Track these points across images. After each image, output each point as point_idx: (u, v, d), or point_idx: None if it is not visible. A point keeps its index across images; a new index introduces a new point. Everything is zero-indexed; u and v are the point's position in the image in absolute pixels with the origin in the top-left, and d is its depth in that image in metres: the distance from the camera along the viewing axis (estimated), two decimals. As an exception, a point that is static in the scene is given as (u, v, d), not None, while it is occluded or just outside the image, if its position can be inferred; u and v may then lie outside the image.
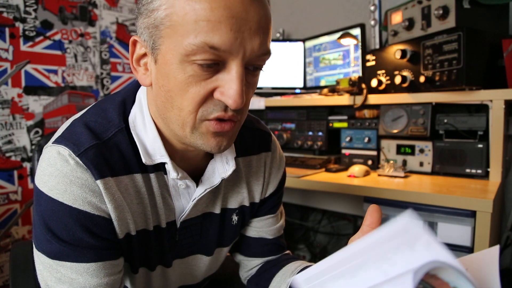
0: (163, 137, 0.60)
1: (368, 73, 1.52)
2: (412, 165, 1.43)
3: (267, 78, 1.99)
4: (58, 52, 1.92)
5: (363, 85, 1.51)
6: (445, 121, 1.35)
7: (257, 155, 0.75)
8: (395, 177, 1.34)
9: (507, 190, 1.44)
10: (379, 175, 1.39)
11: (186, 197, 0.65)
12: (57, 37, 1.91)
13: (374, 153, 1.54)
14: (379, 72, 1.47)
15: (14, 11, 1.74)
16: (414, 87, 1.34)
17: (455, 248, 1.06)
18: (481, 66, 1.24)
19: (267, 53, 0.53)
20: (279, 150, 0.81)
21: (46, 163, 0.54)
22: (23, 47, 1.78)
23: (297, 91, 2.02)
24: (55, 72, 1.91)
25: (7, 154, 1.76)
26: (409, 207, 1.14)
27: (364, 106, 1.54)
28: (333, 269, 0.38)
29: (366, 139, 1.55)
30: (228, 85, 0.50)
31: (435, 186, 1.17)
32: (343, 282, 0.36)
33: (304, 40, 1.97)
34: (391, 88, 1.42)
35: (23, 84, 1.79)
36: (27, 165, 1.82)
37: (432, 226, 1.11)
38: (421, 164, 1.41)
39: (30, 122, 1.83)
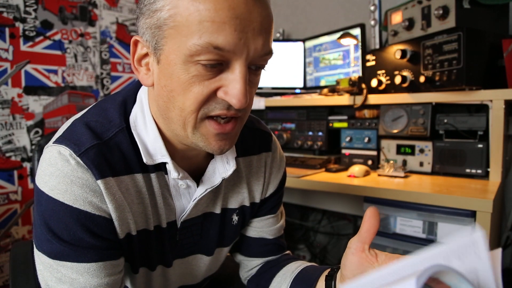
0: (164, 137, 0.60)
1: (368, 73, 1.52)
2: (412, 165, 1.43)
3: (267, 78, 1.99)
4: (58, 52, 1.92)
5: (363, 85, 1.51)
6: (445, 121, 1.35)
7: (257, 155, 0.75)
8: (395, 177, 1.34)
9: (507, 190, 1.44)
10: (379, 175, 1.39)
11: (187, 197, 0.65)
12: (57, 37, 1.91)
13: (374, 153, 1.54)
14: (379, 72, 1.47)
15: (14, 11, 1.74)
16: (414, 87, 1.34)
17: (455, 248, 1.06)
18: (481, 66, 1.24)
19: (269, 53, 0.53)
20: (279, 150, 0.81)
21: (47, 163, 0.54)
22: (23, 47, 1.78)
23: (297, 91, 2.02)
24: (55, 72, 1.91)
25: (7, 154, 1.76)
26: (409, 207, 1.14)
27: (364, 106, 1.54)
28: (380, 280, 0.39)
29: (366, 139, 1.55)
30: (232, 84, 0.50)
31: (435, 186, 1.17)
32: None
33: (304, 40, 1.97)
34: (391, 88, 1.42)
35: (23, 84, 1.79)
36: (27, 165, 1.82)
37: (432, 226, 1.11)
38: (421, 164, 1.41)
39: (30, 122, 1.83)
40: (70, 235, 0.53)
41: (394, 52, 1.36)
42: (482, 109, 1.35)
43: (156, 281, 0.70)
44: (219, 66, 0.50)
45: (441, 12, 1.23)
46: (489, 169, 1.24)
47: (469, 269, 0.32)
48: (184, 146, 0.60)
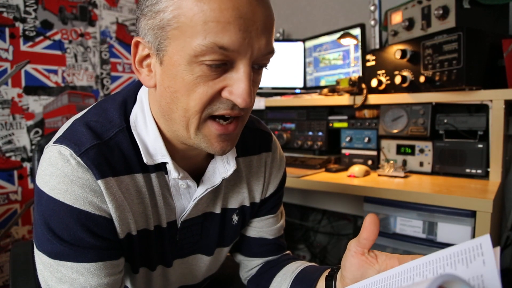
0: (165, 137, 0.60)
1: (368, 73, 1.52)
2: (412, 165, 1.43)
3: (267, 78, 1.99)
4: (58, 52, 1.92)
5: (363, 85, 1.51)
6: (445, 121, 1.35)
7: (257, 155, 0.75)
8: (395, 177, 1.34)
9: (507, 190, 1.44)
10: (379, 175, 1.39)
11: (187, 197, 0.65)
12: (57, 37, 1.91)
13: (374, 153, 1.54)
14: (379, 72, 1.47)
15: (14, 11, 1.74)
16: (414, 87, 1.34)
17: (455, 248, 1.06)
18: (481, 66, 1.24)
19: (271, 52, 0.54)
20: (279, 150, 0.81)
21: (47, 163, 0.54)
22: (23, 47, 1.78)
23: (297, 91, 2.02)
24: (55, 72, 1.91)
25: (7, 154, 1.76)
26: (409, 207, 1.14)
27: (364, 106, 1.54)
28: (383, 281, 0.39)
29: (366, 139, 1.55)
30: (236, 84, 0.50)
31: (435, 186, 1.17)
32: None
33: (304, 40, 1.97)
34: (391, 88, 1.42)
35: (23, 84, 1.79)
36: (27, 165, 1.82)
37: (432, 226, 1.11)
38: (421, 164, 1.41)
39: (30, 122, 1.83)
40: (70, 235, 0.53)
41: (394, 52, 1.36)
42: (482, 109, 1.35)
43: (156, 281, 0.70)
44: (223, 66, 0.50)
45: (441, 12, 1.23)
46: (489, 169, 1.24)
47: (474, 275, 0.32)
48: (185, 146, 0.60)
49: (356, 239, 0.54)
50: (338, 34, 1.69)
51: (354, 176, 1.37)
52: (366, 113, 1.57)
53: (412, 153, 1.43)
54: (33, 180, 0.58)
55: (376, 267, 0.53)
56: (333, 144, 1.72)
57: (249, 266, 0.82)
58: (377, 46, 1.70)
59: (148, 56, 0.55)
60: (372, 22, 1.70)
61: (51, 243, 0.54)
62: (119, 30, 2.19)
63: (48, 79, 1.89)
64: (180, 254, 0.70)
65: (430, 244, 1.11)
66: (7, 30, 1.72)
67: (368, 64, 1.52)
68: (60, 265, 0.54)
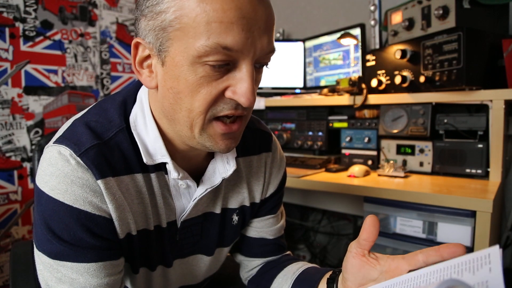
0: (165, 137, 0.60)
1: (368, 73, 1.52)
2: (412, 165, 1.43)
3: (267, 78, 1.99)
4: (58, 52, 1.92)
5: (363, 85, 1.51)
6: (445, 121, 1.35)
7: (257, 155, 0.75)
8: (395, 177, 1.34)
9: (507, 190, 1.44)
10: (379, 175, 1.39)
11: (187, 197, 0.65)
12: (57, 37, 1.91)
13: (374, 153, 1.54)
14: (379, 72, 1.47)
15: (14, 11, 1.74)
16: (414, 87, 1.34)
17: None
18: (481, 66, 1.24)
19: (273, 51, 0.54)
20: (279, 150, 0.81)
21: (47, 163, 0.54)
22: (23, 47, 1.78)
23: (297, 91, 2.02)
24: (55, 72, 1.91)
25: (7, 154, 1.76)
26: (409, 207, 1.14)
27: (364, 106, 1.54)
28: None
29: (366, 139, 1.55)
30: (240, 83, 0.50)
31: (435, 186, 1.17)
32: None
33: (304, 40, 1.97)
34: (391, 88, 1.42)
35: (23, 84, 1.79)
36: (27, 165, 1.82)
37: (432, 226, 1.11)
38: (421, 164, 1.41)
39: (30, 122, 1.83)
40: (70, 235, 0.53)
41: (394, 52, 1.36)
42: (482, 109, 1.35)
43: (156, 281, 0.70)
44: (226, 66, 0.50)
45: (441, 12, 1.23)
46: (489, 169, 1.24)
47: (480, 281, 0.32)
48: (186, 146, 0.60)
49: (356, 241, 0.55)
50: (338, 34, 1.69)
51: (354, 176, 1.37)
52: (366, 113, 1.57)
53: (412, 153, 1.43)
54: (33, 180, 0.58)
55: (378, 268, 0.53)
56: (333, 144, 1.72)
57: (250, 266, 0.82)
58: (377, 46, 1.70)
59: (148, 57, 0.54)
60: (372, 22, 1.70)
61: (51, 243, 0.54)
62: (119, 30, 2.19)
63: (48, 79, 1.89)
64: (180, 254, 0.70)
65: (430, 244, 1.11)
66: (7, 30, 1.72)
67: (368, 64, 1.52)
68: (60, 265, 0.54)
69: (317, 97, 1.70)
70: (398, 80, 1.35)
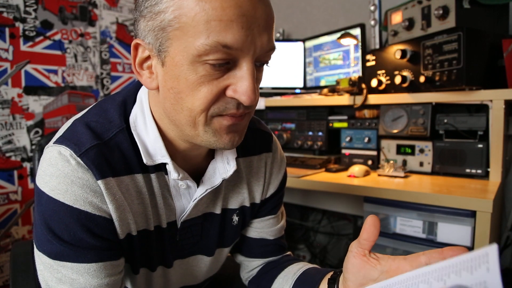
0: (165, 137, 0.60)
1: (368, 73, 1.52)
2: (412, 165, 1.43)
3: (267, 78, 1.99)
4: (58, 52, 1.92)
5: (363, 85, 1.51)
6: (445, 121, 1.35)
7: (258, 155, 0.75)
8: (395, 177, 1.34)
9: (507, 190, 1.44)
10: (379, 175, 1.39)
11: (187, 197, 0.65)
12: (57, 37, 1.91)
13: (374, 153, 1.54)
14: (379, 72, 1.47)
15: (14, 11, 1.74)
16: (414, 87, 1.34)
17: (455, 248, 1.06)
18: (481, 66, 1.24)
19: (273, 49, 0.54)
20: (280, 150, 0.81)
21: (47, 163, 0.54)
22: (23, 47, 1.78)
23: (297, 91, 2.02)
24: (55, 72, 1.91)
25: (7, 154, 1.76)
26: (409, 207, 1.14)
27: (364, 106, 1.54)
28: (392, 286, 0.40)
29: (366, 139, 1.55)
30: (240, 82, 0.50)
31: (435, 186, 1.17)
32: None
33: (304, 40, 1.97)
34: (391, 88, 1.42)
35: (23, 84, 1.79)
36: (27, 165, 1.82)
37: (432, 226, 1.11)
38: (421, 164, 1.41)
39: (30, 122, 1.83)
40: (71, 236, 0.53)
41: (394, 52, 1.36)
42: (482, 109, 1.35)
43: (156, 282, 0.70)
44: (226, 65, 0.50)
45: (441, 12, 1.23)
46: (489, 169, 1.24)
47: (478, 282, 0.32)
48: (187, 146, 0.60)
49: (357, 241, 0.54)
50: (338, 34, 1.69)
51: (354, 176, 1.37)
52: (366, 113, 1.57)
53: (412, 153, 1.43)
54: (33, 180, 0.58)
55: (379, 268, 0.53)
56: (333, 144, 1.72)
57: (250, 266, 0.82)
58: (377, 46, 1.70)
59: (148, 58, 0.54)
60: (372, 22, 1.70)
61: (51, 244, 0.54)
62: (119, 30, 2.19)
63: (48, 79, 1.89)
64: (180, 255, 0.70)
65: (430, 244, 1.11)
66: (7, 30, 1.72)
67: (368, 64, 1.52)
68: (60, 266, 0.54)
69: (317, 97, 1.70)
70: (398, 80, 1.35)
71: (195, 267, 0.74)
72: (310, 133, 1.75)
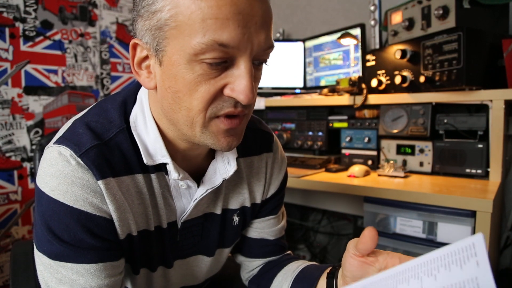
0: (165, 137, 0.60)
1: (368, 73, 1.52)
2: (412, 165, 1.43)
3: (267, 78, 1.99)
4: (58, 52, 1.92)
5: (363, 85, 1.51)
6: (445, 121, 1.35)
7: (258, 155, 0.75)
8: (395, 177, 1.34)
9: (507, 190, 1.44)
10: (379, 175, 1.39)
11: (187, 197, 0.65)
12: (57, 37, 1.90)
13: (374, 153, 1.54)
14: (379, 72, 1.47)
15: (14, 11, 1.74)
16: (414, 87, 1.34)
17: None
18: (481, 66, 1.24)
19: (271, 47, 0.53)
20: (280, 150, 0.81)
21: (48, 163, 0.54)
22: (23, 47, 1.78)
23: (297, 91, 2.02)
24: (55, 72, 1.91)
25: (7, 154, 1.75)
26: (409, 207, 1.14)
27: (364, 106, 1.54)
28: (380, 282, 0.40)
29: (366, 139, 1.55)
30: (238, 81, 0.50)
31: (435, 186, 1.17)
32: None
33: (304, 40, 1.97)
34: (391, 88, 1.42)
35: (23, 84, 1.79)
36: (27, 165, 1.82)
37: (432, 226, 1.11)
38: (421, 164, 1.41)
39: (30, 122, 1.83)
40: (71, 236, 0.53)
41: (394, 52, 1.36)
42: (482, 109, 1.35)
43: (157, 282, 0.70)
44: (223, 63, 0.49)
45: (441, 12, 1.23)
46: (489, 169, 1.24)
47: (469, 278, 0.32)
48: (187, 146, 0.60)
49: (354, 244, 0.54)
50: (338, 34, 1.69)
51: (354, 176, 1.37)
52: (366, 113, 1.57)
53: (412, 153, 1.43)
54: (33, 180, 0.58)
55: (377, 266, 0.53)
56: (333, 144, 1.72)
57: (250, 266, 0.82)
58: (377, 46, 1.70)
59: (146, 57, 0.54)
60: (372, 22, 1.70)
61: (51, 244, 0.54)
62: (119, 30, 2.18)
63: (48, 79, 1.89)
64: (180, 255, 0.70)
65: (430, 244, 1.11)
66: (7, 30, 1.72)
67: (368, 64, 1.52)
68: (60, 266, 0.54)
69: (317, 97, 1.70)
70: (398, 80, 1.35)
71: (195, 267, 0.74)
72: (310, 133, 1.75)
